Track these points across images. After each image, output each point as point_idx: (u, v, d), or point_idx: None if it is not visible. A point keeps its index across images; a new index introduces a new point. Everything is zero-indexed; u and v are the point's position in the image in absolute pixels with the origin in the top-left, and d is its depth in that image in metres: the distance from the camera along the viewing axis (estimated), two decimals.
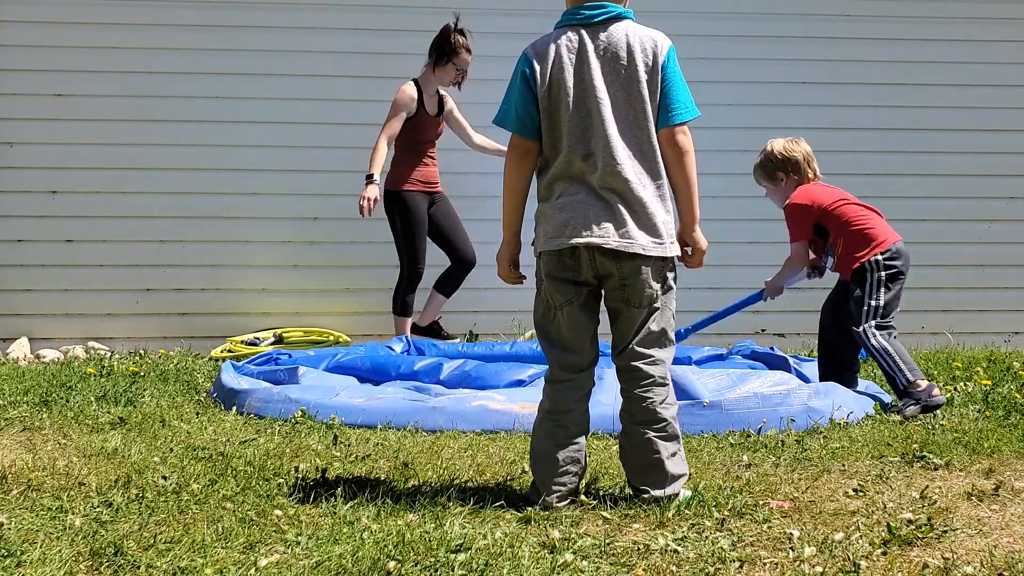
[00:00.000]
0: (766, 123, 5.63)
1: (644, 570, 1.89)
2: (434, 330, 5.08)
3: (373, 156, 4.75)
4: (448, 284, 5.04)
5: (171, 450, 2.78)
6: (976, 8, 5.74)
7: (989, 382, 3.87)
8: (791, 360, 4.15)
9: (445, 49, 4.84)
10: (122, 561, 1.89)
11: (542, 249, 2.36)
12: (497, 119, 2.47)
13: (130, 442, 2.85)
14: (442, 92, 5.01)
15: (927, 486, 2.46)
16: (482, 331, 5.45)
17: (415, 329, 4.99)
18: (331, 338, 5.20)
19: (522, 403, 3.25)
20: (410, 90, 4.83)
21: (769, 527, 2.14)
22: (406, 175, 4.88)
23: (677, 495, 2.29)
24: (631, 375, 2.33)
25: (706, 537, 2.06)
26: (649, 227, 2.30)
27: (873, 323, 3.49)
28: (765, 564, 1.93)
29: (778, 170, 3.89)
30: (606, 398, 3.39)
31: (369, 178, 4.74)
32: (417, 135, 4.87)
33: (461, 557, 1.90)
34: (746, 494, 2.36)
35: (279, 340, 5.08)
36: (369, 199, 4.73)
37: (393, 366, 3.91)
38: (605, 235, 2.27)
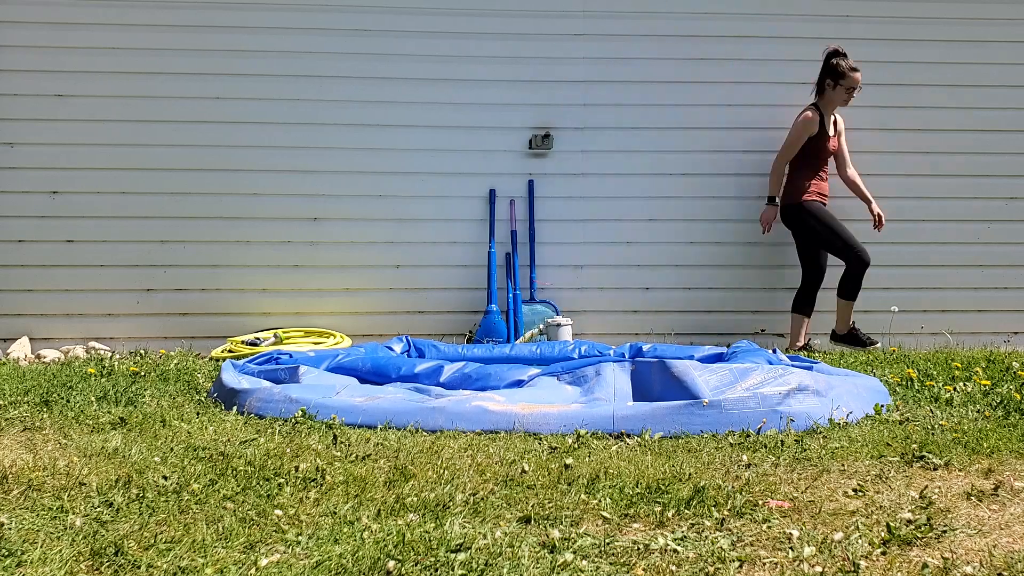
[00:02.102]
0: (767, 124, 5.65)
1: (644, 570, 1.89)
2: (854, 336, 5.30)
3: (773, 178, 5.36)
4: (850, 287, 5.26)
5: (171, 450, 2.78)
6: (976, 9, 5.74)
7: (988, 382, 3.87)
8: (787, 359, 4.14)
9: (833, 74, 5.25)
10: (122, 561, 1.89)
11: None
12: None
13: (131, 442, 2.86)
14: (836, 115, 5.41)
15: (926, 486, 2.46)
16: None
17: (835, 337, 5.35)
18: (331, 338, 5.21)
19: (522, 404, 3.26)
20: (812, 114, 5.26)
21: (769, 527, 2.14)
22: (806, 188, 5.29)
23: None
24: None
25: (706, 537, 2.06)
26: None
27: None
28: (765, 564, 1.93)
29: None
30: (605, 396, 3.41)
31: (771, 200, 5.35)
32: (818, 153, 5.30)
33: (461, 557, 1.91)
34: (746, 494, 2.37)
35: (279, 340, 5.09)
36: (767, 220, 5.37)
37: (394, 368, 3.91)
38: None
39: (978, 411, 3.40)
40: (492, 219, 5.51)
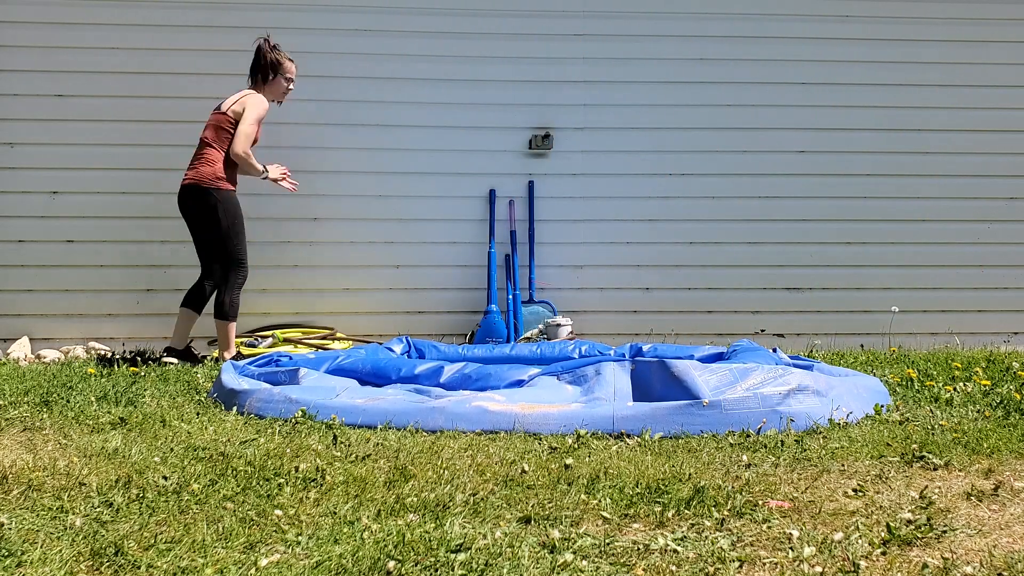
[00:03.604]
0: (765, 124, 5.66)
1: (644, 570, 1.89)
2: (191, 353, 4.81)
3: (251, 163, 4.71)
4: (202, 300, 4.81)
5: (171, 450, 2.78)
6: (976, 9, 5.75)
7: (988, 382, 3.87)
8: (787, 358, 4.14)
9: (272, 67, 4.85)
10: (122, 561, 1.89)
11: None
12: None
13: (131, 442, 2.86)
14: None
15: (926, 486, 2.46)
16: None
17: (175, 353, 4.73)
18: (332, 337, 5.20)
19: (522, 404, 3.26)
20: (266, 102, 4.83)
21: (769, 527, 2.14)
22: (229, 175, 4.72)
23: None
24: None
25: (706, 537, 2.06)
26: None
27: None
28: (765, 564, 1.93)
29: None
30: (606, 396, 3.41)
31: (265, 170, 4.82)
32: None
33: (461, 557, 1.90)
34: (746, 494, 2.37)
35: (277, 341, 5.08)
36: (286, 174, 4.94)
37: (394, 369, 3.91)
38: None
39: (978, 411, 3.40)
40: (492, 219, 5.51)
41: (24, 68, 5.30)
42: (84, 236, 5.33)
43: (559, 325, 5.23)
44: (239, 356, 4.66)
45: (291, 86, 4.95)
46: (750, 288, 5.68)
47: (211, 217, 4.67)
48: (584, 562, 1.91)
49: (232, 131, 4.70)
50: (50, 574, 1.82)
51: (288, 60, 4.90)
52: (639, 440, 2.99)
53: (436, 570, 1.86)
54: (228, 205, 4.68)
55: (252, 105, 4.73)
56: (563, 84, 5.59)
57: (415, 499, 2.30)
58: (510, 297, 5.43)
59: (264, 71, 4.86)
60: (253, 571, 1.85)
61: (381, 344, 4.78)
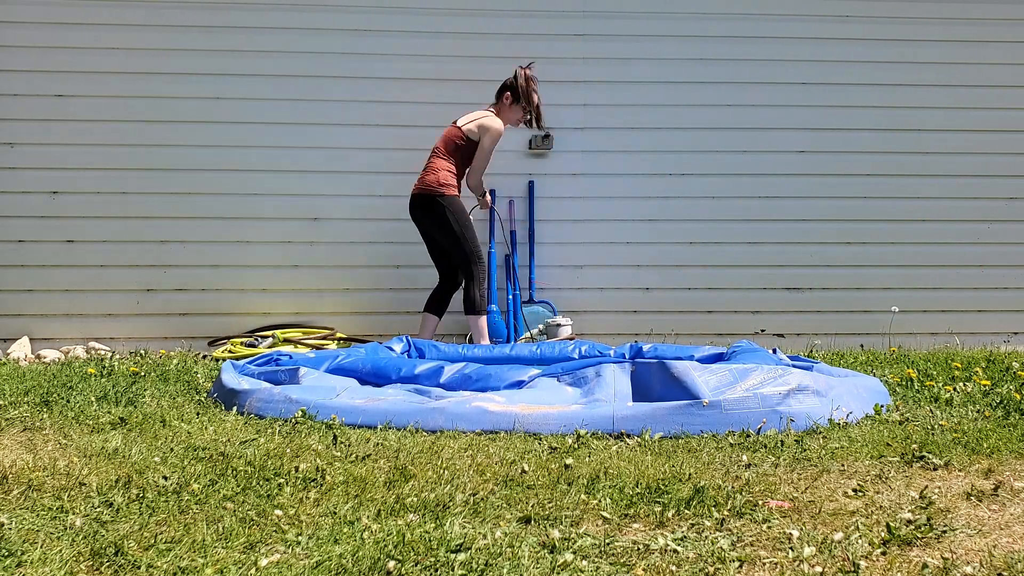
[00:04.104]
0: (765, 124, 5.66)
1: (644, 570, 1.89)
2: None
3: (480, 194, 5.10)
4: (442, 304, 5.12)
5: (172, 450, 2.78)
6: (976, 9, 5.75)
7: (988, 382, 3.87)
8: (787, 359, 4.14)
9: (521, 94, 5.02)
10: (122, 561, 1.89)
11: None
12: None
13: (131, 442, 2.86)
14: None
15: (926, 486, 2.46)
16: None
17: None
18: (332, 337, 5.20)
19: (522, 404, 3.26)
20: (502, 128, 4.99)
21: (769, 527, 2.14)
22: (458, 185, 4.97)
23: None
24: None
25: (706, 537, 2.06)
26: None
27: None
28: (765, 564, 1.93)
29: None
30: (605, 397, 3.41)
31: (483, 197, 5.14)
32: (471, 158, 5.02)
33: (461, 557, 1.90)
34: (746, 494, 2.37)
35: (276, 340, 5.09)
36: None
37: (394, 369, 3.91)
38: None
39: (978, 411, 3.40)
40: (492, 219, 5.51)
41: (24, 68, 5.30)
42: (84, 236, 5.34)
43: (559, 325, 5.23)
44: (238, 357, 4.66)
45: (527, 117, 5.08)
46: (750, 288, 5.68)
47: (442, 223, 4.87)
48: (584, 562, 1.91)
49: (460, 144, 4.94)
50: (50, 574, 1.82)
51: (536, 94, 5.03)
52: (639, 440, 2.99)
53: (436, 570, 1.86)
54: (454, 209, 4.87)
55: (489, 135, 4.93)
56: (563, 84, 5.59)
57: (415, 499, 2.30)
58: (510, 297, 5.43)
59: (515, 93, 5.02)
60: (253, 571, 1.85)
61: (381, 343, 4.78)
